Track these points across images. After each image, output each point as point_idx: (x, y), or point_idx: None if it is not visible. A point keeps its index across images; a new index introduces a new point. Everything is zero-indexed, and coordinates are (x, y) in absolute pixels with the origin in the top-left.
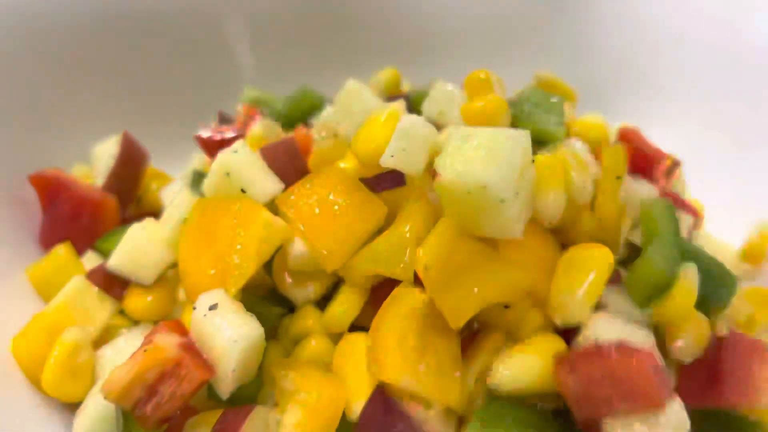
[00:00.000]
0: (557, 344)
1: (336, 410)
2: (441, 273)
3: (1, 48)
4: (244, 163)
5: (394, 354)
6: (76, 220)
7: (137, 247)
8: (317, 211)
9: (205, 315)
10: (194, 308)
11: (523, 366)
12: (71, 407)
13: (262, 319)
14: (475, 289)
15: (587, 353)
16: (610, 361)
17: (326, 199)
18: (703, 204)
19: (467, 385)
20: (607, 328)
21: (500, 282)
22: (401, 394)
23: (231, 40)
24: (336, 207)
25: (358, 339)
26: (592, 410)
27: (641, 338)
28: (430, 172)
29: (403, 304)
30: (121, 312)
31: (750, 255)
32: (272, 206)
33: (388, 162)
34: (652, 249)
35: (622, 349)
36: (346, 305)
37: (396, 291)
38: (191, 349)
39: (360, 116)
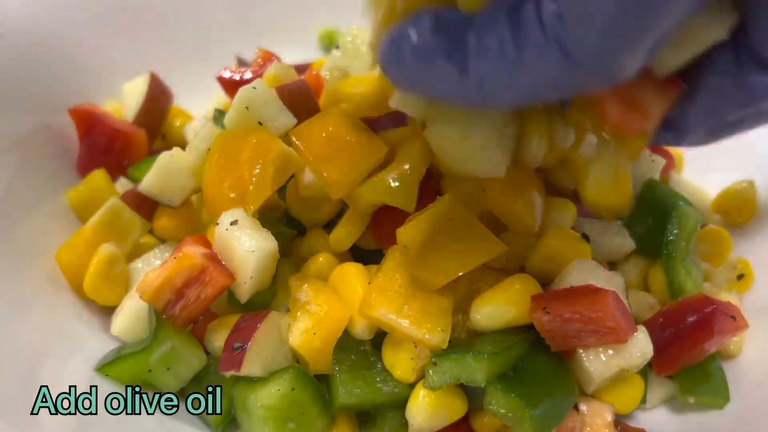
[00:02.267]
0: (531, 286)
1: (340, 325)
2: (419, 250)
3: None
4: (261, 99)
5: (379, 295)
6: (110, 150)
7: (166, 173)
8: (325, 145)
9: (227, 229)
10: (217, 224)
11: (497, 313)
12: (109, 310)
13: (276, 238)
14: (453, 260)
15: (560, 294)
16: (580, 301)
17: (333, 135)
18: (683, 151)
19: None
20: (580, 271)
21: (477, 254)
22: (390, 329)
23: None
24: (342, 143)
25: (351, 269)
26: (565, 343)
27: (610, 280)
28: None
29: (390, 259)
30: (150, 232)
31: (719, 209)
32: (286, 139)
33: (394, 104)
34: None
35: (591, 290)
36: (349, 228)
37: (389, 249)
38: (215, 259)
39: (366, 57)
